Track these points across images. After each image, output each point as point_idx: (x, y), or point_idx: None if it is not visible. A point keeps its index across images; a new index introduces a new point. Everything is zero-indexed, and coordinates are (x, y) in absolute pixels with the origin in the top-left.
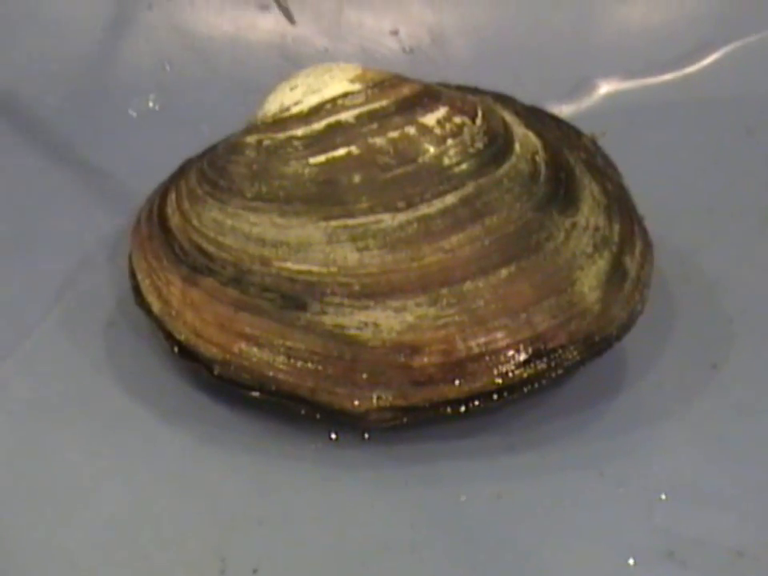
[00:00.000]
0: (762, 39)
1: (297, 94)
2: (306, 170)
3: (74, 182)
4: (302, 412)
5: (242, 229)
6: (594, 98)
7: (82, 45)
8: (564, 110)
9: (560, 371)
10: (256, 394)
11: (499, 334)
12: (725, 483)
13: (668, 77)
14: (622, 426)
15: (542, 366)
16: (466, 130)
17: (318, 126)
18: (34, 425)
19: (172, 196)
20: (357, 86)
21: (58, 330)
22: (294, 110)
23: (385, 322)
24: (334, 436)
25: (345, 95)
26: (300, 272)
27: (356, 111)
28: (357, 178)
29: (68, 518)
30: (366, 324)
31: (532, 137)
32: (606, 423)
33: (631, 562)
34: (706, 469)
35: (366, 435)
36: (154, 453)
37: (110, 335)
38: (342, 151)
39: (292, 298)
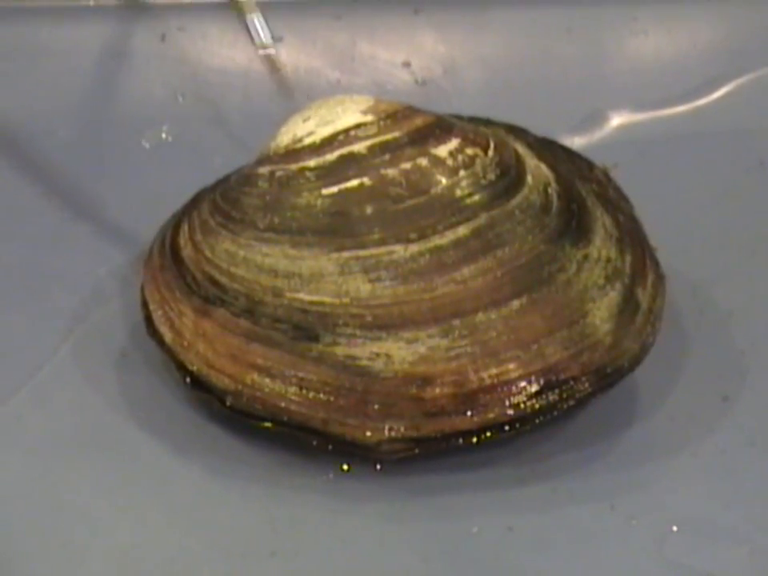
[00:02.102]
0: None
1: (309, 126)
2: (319, 202)
3: (86, 213)
4: (314, 443)
5: (255, 260)
6: (605, 130)
7: (95, 76)
8: (576, 142)
9: (572, 403)
10: (268, 424)
11: (511, 366)
12: (736, 516)
13: (680, 109)
14: (633, 458)
15: (553, 397)
16: (478, 161)
17: (331, 157)
18: (45, 457)
19: (185, 227)
20: (369, 118)
21: (70, 362)
22: (307, 141)
23: (397, 353)
24: (346, 467)
25: (357, 126)
26: (312, 303)
27: (368, 142)
28: (369, 210)
29: (78, 550)
30: (377, 355)
31: (544, 169)
32: (617, 455)
33: None
34: (718, 502)
35: (378, 466)
36: (166, 484)
37: (122, 366)
38: (354, 182)
39: (304, 329)
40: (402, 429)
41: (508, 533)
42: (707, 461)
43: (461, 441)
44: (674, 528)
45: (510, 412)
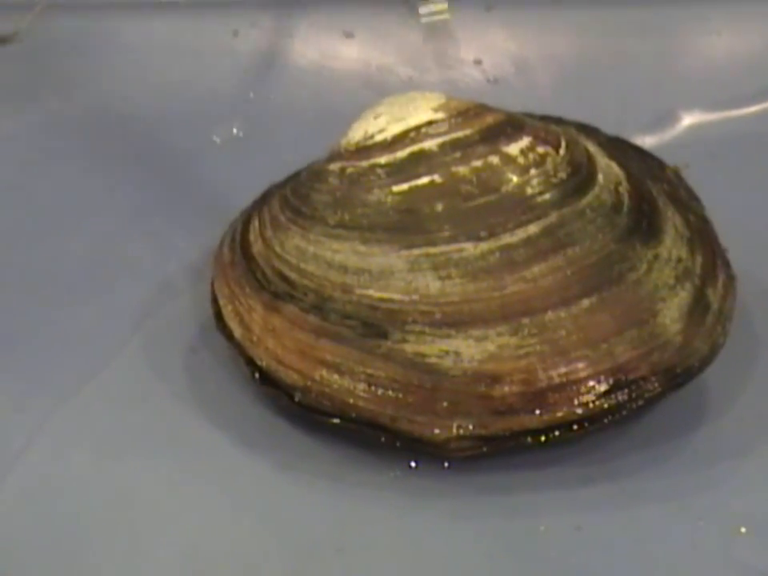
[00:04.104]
0: None
1: (381, 122)
2: (389, 198)
3: (157, 207)
4: (382, 440)
5: (324, 256)
6: (677, 130)
7: (167, 71)
8: (647, 142)
9: (640, 402)
10: (336, 421)
11: (580, 365)
12: None
13: (752, 109)
14: (701, 459)
15: (622, 397)
16: (549, 160)
17: (402, 154)
18: (112, 450)
19: (255, 223)
20: (441, 115)
21: (139, 355)
22: (378, 137)
23: (466, 350)
24: (413, 465)
25: (429, 124)
26: (381, 300)
27: (440, 140)
28: (439, 207)
29: (145, 543)
30: (446, 353)
31: (615, 168)
32: (685, 456)
33: None
34: None
35: (446, 464)
36: (233, 479)
37: (191, 361)
38: (425, 180)
39: (373, 326)
40: (470, 427)
41: (576, 532)
42: None
43: (529, 439)
44: (743, 530)
45: (579, 411)
